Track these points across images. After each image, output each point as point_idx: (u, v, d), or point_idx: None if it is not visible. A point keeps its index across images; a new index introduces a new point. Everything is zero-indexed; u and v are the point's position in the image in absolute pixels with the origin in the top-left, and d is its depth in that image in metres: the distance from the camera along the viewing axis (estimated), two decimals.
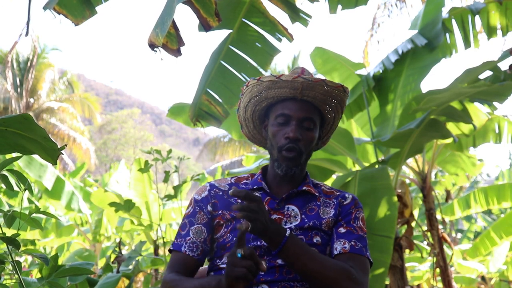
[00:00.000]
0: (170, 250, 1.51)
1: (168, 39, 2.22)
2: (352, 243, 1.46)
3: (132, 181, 5.89)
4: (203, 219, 1.50)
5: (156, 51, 2.13)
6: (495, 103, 4.01)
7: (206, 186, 1.56)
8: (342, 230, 1.49)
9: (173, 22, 2.19)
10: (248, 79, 1.82)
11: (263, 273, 1.40)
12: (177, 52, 2.26)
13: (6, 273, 1.77)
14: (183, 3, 2.19)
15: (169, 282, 1.41)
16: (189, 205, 1.55)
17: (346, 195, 1.56)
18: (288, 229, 1.39)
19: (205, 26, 2.28)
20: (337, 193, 1.57)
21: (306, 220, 1.47)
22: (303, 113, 1.49)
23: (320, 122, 1.56)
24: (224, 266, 1.45)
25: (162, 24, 2.09)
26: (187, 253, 1.46)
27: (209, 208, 1.51)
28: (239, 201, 1.50)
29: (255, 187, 1.53)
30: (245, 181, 1.59)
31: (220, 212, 1.50)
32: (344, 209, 1.52)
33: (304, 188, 1.52)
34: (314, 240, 1.45)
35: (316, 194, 1.54)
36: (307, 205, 1.51)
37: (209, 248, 1.50)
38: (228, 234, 1.46)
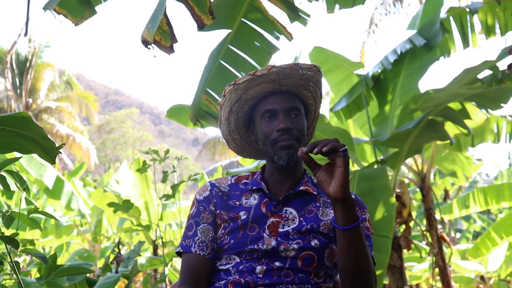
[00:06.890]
0: (179, 253, 1.49)
1: (162, 36, 2.20)
2: None
3: (131, 181, 5.89)
4: (208, 218, 1.49)
5: (149, 47, 2.12)
6: None
7: (207, 186, 1.55)
8: None
9: (167, 19, 2.17)
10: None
11: (261, 276, 1.39)
12: (169, 49, 2.23)
13: (5, 273, 1.76)
14: (178, 0, 2.18)
15: None
16: (193, 206, 1.54)
17: None
18: None
19: (199, 24, 2.27)
20: None
21: (304, 223, 1.45)
22: (287, 103, 1.49)
23: (304, 111, 1.55)
24: (223, 268, 1.44)
25: (153, 20, 2.08)
26: (197, 252, 1.44)
27: (211, 207, 1.50)
28: (237, 203, 1.50)
29: (254, 187, 1.52)
30: (245, 180, 1.57)
31: (218, 212, 1.49)
32: None
33: (302, 188, 1.49)
34: (312, 244, 1.43)
35: (315, 193, 1.51)
36: (306, 207, 1.49)
37: (218, 246, 1.48)
38: (226, 236, 1.45)
